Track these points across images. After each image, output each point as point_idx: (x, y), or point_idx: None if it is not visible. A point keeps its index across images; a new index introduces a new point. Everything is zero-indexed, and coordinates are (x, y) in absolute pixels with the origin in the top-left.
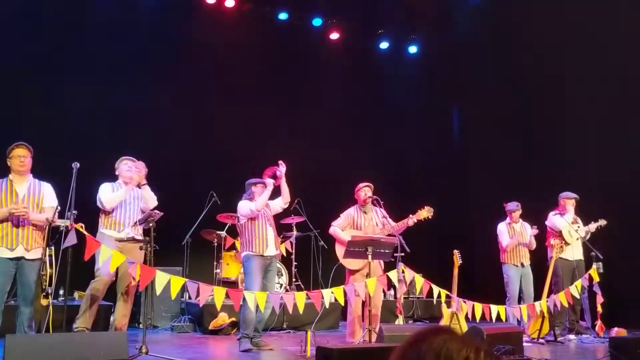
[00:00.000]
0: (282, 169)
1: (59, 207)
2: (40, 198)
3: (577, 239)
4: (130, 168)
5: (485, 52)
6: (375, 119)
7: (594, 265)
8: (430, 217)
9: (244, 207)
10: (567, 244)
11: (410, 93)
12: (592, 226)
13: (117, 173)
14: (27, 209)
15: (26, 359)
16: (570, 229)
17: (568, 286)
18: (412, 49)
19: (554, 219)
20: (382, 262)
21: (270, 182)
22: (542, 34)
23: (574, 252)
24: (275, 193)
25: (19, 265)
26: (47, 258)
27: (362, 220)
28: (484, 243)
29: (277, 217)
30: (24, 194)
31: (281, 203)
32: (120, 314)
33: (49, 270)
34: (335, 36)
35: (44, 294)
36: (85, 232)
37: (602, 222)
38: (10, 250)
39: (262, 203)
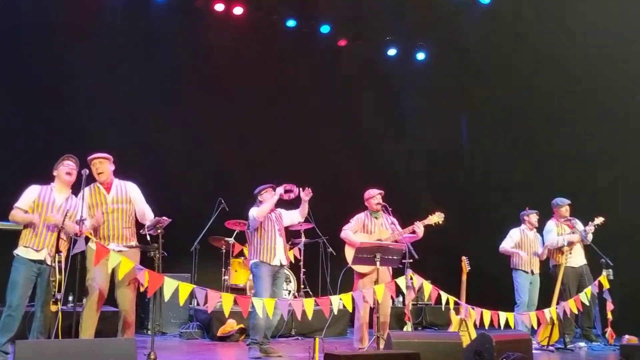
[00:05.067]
0: (307, 195)
1: (85, 218)
2: (74, 212)
3: (569, 248)
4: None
5: (494, 58)
6: (383, 125)
7: (604, 272)
8: (440, 222)
9: (251, 214)
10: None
11: (418, 100)
12: (589, 227)
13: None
14: (56, 220)
15: None
16: (558, 240)
17: (574, 293)
18: (420, 56)
19: (547, 237)
20: (390, 268)
21: (279, 191)
22: (552, 39)
23: (577, 259)
24: (290, 206)
25: (42, 270)
26: (57, 264)
27: (373, 225)
28: (492, 249)
29: None
30: (61, 203)
31: (299, 217)
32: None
33: (58, 276)
34: (343, 43)
35: (54, 300)
36: (94, 239)
37: (599, 220)
38: (36, 251)
39: (265, 210)
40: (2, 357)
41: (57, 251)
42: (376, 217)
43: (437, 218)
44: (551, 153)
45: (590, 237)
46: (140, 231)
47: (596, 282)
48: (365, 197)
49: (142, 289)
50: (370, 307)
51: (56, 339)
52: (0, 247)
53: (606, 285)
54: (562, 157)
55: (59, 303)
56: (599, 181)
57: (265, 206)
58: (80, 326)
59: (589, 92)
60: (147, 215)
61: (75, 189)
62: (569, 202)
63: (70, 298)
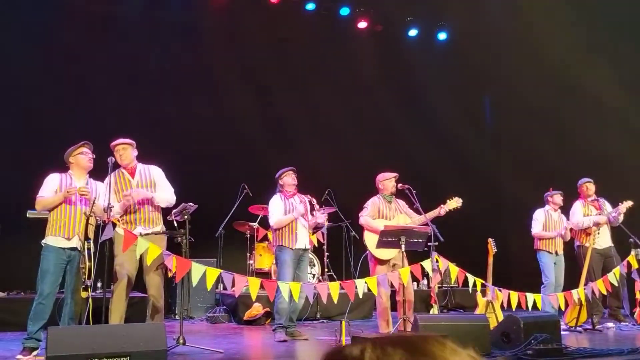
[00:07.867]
0: (322, 215)
1: (113, 205)
2: (96, 197)
3: (596, 228)
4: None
5: (517, 38)
6: (405, 107)
7: (633, 252)
8: (459, 207)
9: (272, 212)
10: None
11: (440, 81)
12: (619, 209)
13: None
14: (89, 190)
15: (68, 349)
16: (584, 221)
17: (599, 275)
18: (442, 36)
19: (572, 219)
20: (406, 256)
21: (300, 211)
22: (574, 21)
23: (602, 241)
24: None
25: (72, 257)
26: (86, 251)
27: (388, 210)
28: (518, 231)
29: None
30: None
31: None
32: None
33: (87, 263)
34: (363, 25)
35: (83, 286)
36: (121, 225)
37: (628, 204)
38: (67, 240)
39: (281, 224)
40: (35, 344)
41: (87, 238)
42: (389, 202)
43: (455, 203)
44: (576, 133)
45: (621, 218)
46: (167, 217)
47: (624, 262)
48: (379, 180)
49: (169, 275)
50: (392, 291)
51: (87, 325)
52: (30, 236)
53: (635, 265)
54: (588, 136)
55: (89, 289)
56: (626, 161)
57: (284, 220)
58: (109, 312)
59: (621, 73)
60: (168, 196)
61: (93, 173)
62: (589, 179)
63: (100, 284)
